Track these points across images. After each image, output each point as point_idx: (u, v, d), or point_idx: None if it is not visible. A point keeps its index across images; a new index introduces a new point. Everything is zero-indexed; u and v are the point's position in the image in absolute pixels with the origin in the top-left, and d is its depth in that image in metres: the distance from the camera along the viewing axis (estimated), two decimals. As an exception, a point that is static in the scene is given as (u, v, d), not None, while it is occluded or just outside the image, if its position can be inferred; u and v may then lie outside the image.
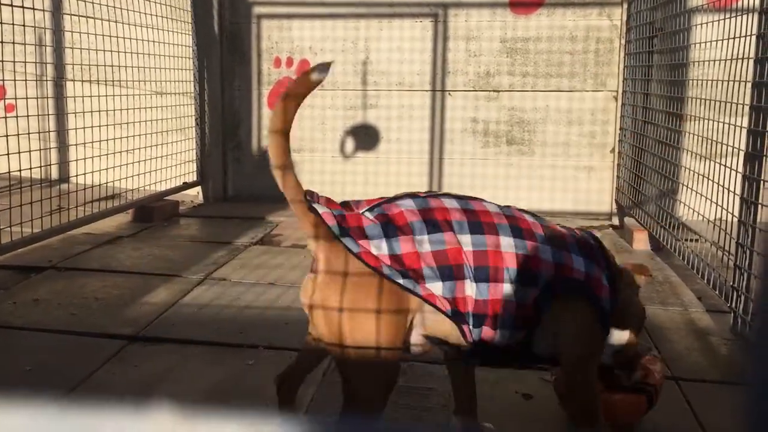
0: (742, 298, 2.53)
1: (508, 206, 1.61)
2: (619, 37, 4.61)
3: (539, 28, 4.71)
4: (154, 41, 4.51)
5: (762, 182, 2.45)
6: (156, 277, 3.13)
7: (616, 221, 4.58)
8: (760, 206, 2.46)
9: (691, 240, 3.18)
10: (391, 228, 1.45)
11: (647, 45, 4.01)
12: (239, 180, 5.13)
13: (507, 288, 1.47)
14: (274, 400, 1.98)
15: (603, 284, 1.55)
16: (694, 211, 3.13)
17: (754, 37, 2.54)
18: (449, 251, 1.45)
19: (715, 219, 2.87)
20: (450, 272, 1.44)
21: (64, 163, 4.62)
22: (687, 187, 3.23)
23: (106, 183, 4.06)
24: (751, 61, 2.55)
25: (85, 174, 3.86)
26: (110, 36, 4.09)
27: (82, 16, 3.93)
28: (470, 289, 1.45)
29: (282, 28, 4.96)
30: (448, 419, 1.90)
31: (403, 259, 1.43)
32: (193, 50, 4.89)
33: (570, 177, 4.80)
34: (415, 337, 1.51)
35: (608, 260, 1.60)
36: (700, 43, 3.18)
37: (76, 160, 4.01)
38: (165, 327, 2.55)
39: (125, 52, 4.24)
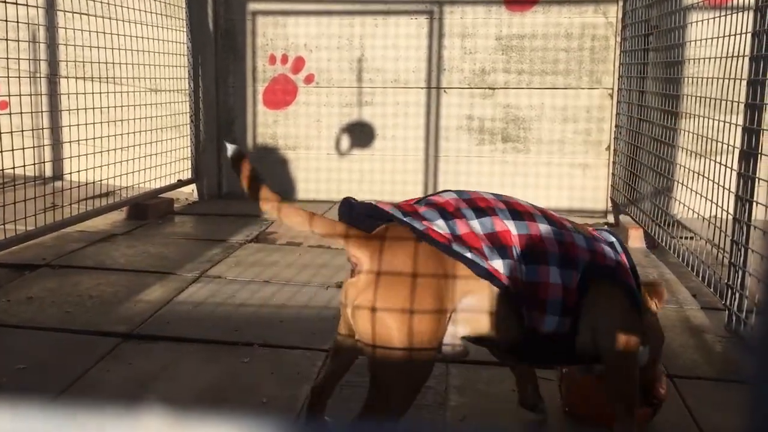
0: (737, 295, 2.53)
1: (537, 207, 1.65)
2: (615, 35, 4.62)
3: (534, 26, 4.71)
4: (148, 38, 4.49)
5: (757, 180, 2.45)
6: (150, 275, 3.12)
7: (611, 219, 4.58)
8: (755, 204, 2.46)
9: (687, 237, 3.19)
10: (445, 212, 1.49)
11: (643, 43, 4.01)
12: (234, 177, 5.07)
13: (554, 271, 1.49)
14: (270, 398, 1.98)
15: (630, 275, 1.59)
16: (689, 208, 3.13)
17: (749, 35, 2.54)
18: (500, 233, 1.49)
19: (710, 216, 2.88)
20: (506, 252, 1.47)
21: (58, 160, 4.60)
22: (682, 184, 3.24)
23: (101, 180, 4.05)
24: (746, 59, 2.55)
25: (79, 171, 3.84)
26: (104, 33, 4.07)
27: (75, 12, 3.91)
28: (520, 271, 1.47)
29: (277, 25, 4.95)
30: (443, 417, 1.90)
31: (463, 238, 1.46)
32: (187, 47, 4.88)
33: (565, 174, 4.81)
34: (450, 337, 1.52)
35: (632, 262, 1.64)
36: (695, 40, 3.18)
37: (70, 158, 4.00)
38: (159, 325, 2.54)
39: (119, 49, 4.22)
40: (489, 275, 1.45)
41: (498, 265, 1.45)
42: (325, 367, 1.73)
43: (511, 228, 1.50)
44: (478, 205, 1.53)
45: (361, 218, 1.52)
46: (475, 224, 1.49)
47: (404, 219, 1.45)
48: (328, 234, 1.50)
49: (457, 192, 1.59)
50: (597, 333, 1.54)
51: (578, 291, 1.51)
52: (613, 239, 1.65)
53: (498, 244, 1.47)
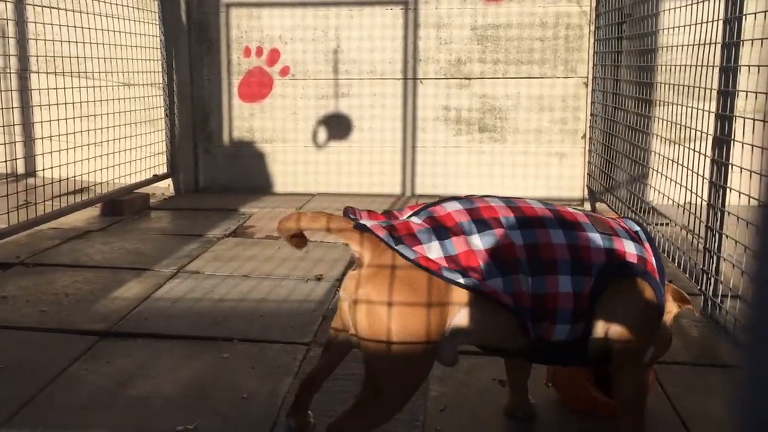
0: (712, 280, 2.57)
1: (548, 202, 1.61)
2: (589, 24, 4.64)
3: (509, 15, 4.72)
4: (120, 31, 4.43)
5: (730, 166, 2.48)
6: (127, 272, 3.09)
7: (588, 207, 4.62)
8: (728, 189, 2.50)
9: (662, 224, 3.22)
10: (441, 230, 1.44)
11: (616, 31, 4.04)
12: (210, 171, 5.08)
13: (564, 280, 1.45)
14: (251, 393, 1.97)
15: (655, 267, 1.54)
16: (664, 195, 3.16)
17: (720, 22, 2.56)
18: (503, 247, 1.44)
19: (684, 203, 2.91)
20: (507, 268, 1.42)
21: (30, 157, 4.54)
22: (657, 171, 3.27)
23: (74, 177, 4.00)
24: (718, 46, 2.58)
25: (52, 168, 3.79)
26: (75, 26, 4.01)
27: (45, 6, 3.84)
28: (526, 283, 1.43)
29: (251, 17, 4.91)
30: (423, 407, 1.91)
31: (459, 258, 1.41)
32: (160, 40, 4.82)
33: (542, 163, 4.83)
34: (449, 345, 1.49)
35: (657, 251, 1.59)
36: (668, 28, 3.20)
37: (43, 154, 3.94)
38: (138, 322, 2.52)
39: (91, 43, 4.16)
40: (488, 296, 1.41)
41: (497, 283, 1.41)
42: (317, 360, 1.71)
43: (516, 239, 1.45)
44: (482, 217, 1.47)
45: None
46: (476, 240, 1.44)
47: (395, 247, 1.40)
48: (337, 229, 1.47)
49: (462, 201, 1.53)
50: (610, 332, 1.51)
51: (592, 294, 1.47)
52: (638, 228, 1.61)
53: (499, 259, 1.42)
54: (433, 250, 1.41)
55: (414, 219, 1.50)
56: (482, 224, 1.46)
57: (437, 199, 1.58)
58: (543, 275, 1.44)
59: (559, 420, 1.87)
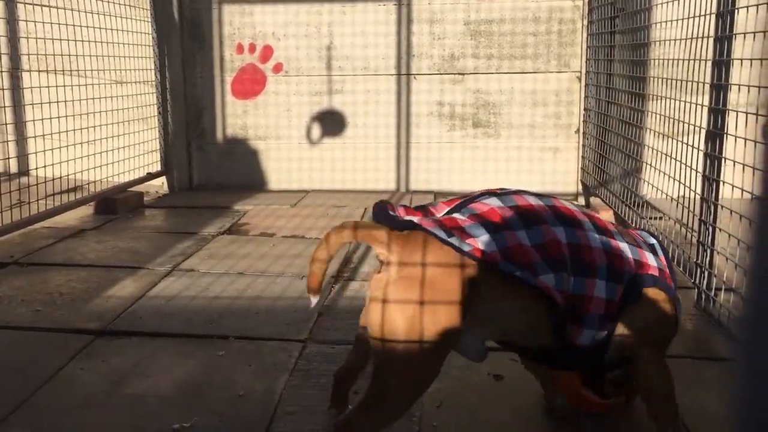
0: (706, 274, 2.58)
1: (579, 205, 1.60)
2: (582, 18, 4.64)
3: (502, 10, 4.72)
4: (112, 29, 4.41)
5: (723, 159, 2.49)
6: (122, 270, 3.09)
7: (582, 201, 4.63)
8: (721, 183, 2.50)
9: (656, 218, 3.23)
10: (489, 224, 1.40)
11: (609, 25, 4.04)
12: (204, 169, 5.07)
13: (600, 285, 1.43)
14: (247, 391, 1.97)
15: (671, 279, 1.55)
16: (657, 189, 3.17)
17: (713, 16, 2.57)
18: (549, 243, 1.41)
19: (678, 196, 2.92)
20: (556, 264, 1.40)
21: (23, 156, 4.52)
22: (650, 165, 3.27)
23: (68, 175, 3.98)
24: (711, 40, 2.58)
25: (45, 167, 3.78)
26: (66, 24, 3.99)
27: (36, 4, 3.82)
28: (568, 283, 1.41)
29: (244, 13, 4.89)
30: (419, 404, 1.91)
31: (512, 251, 1.38)
32: (152, 37, 4.80)
33: (536, 158, 4.84)
34: (476, 339, 1.47)
35: (670, 263, 1.60)
36: (660, 22, 3.21)
37: (35, 153, 3.92)
38: (133, 320, 2.51)
39: (83, 41, 4.14)
40: (543, 290, 1.38)
41: (549, 279, 1.38)
42: (347, 355, 1.69)
43: (561, 236, 1.42)
44: (526, 212, 1.44)
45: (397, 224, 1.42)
46: (523, 235, 1.40)
47: (449, 240, 1.35)
48: (366, 238, 1.41)
49: (500, 197, 1.48)
50: (631, 341, 1.50)
51: (623, 303, 1.46)
52: (654, 241, 1.61)
53: (548, 255, 1.39)
54: (487, 243, 1.37)
55: (456, 215, 1.45)
56: (527, 220, 1.42)
57: (469, 195, 1.54)
58: (583, 277, 1.41)
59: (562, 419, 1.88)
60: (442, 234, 1.36)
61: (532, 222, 1.42)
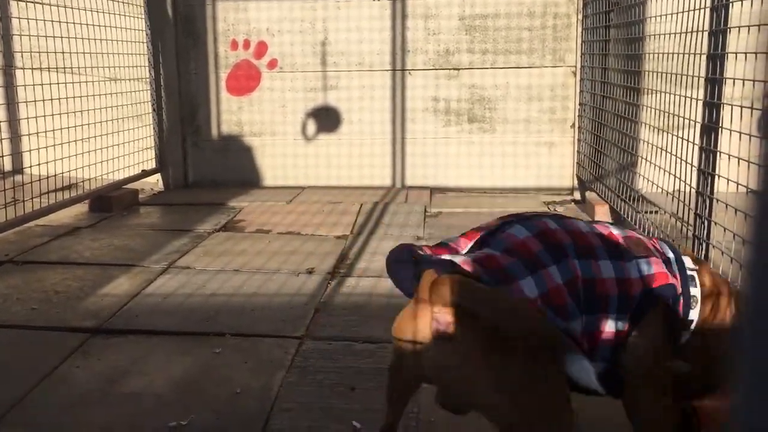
0: (702, 267, 2.58)
1: (590, 221, 1.48)
2: (576, 12, 4.64)
3: (497, 5, 4.71)
4: (105, 26, 4.40)
5: (718, 153, 2.49)
6: (117, 268, 3.08)
7: (577, 196, 4.63)
8: (717, 177, 2.50)
9: (651, 212, 3.23)
10: (528, 263, 1.29)
11: (604, 20, 4.04)
12: (199, 166, 5.06)
13: (611, 318, 1.36)
14: (244, 388, 1.97)
15: (678, 291, 1.45)
16: (653, 183, 3.17)
17: (707, 10, 2.57)
18: (573, 281, 1.31)
19: (673, 190, 2.92)
20: (579, 304, 1.31)
21: (17, 153, 4.50)
22: (646, 159, 3.28)
23: (62, 173, 3.97)
24: (706, 34, 2.58)
25: (39, 164, 3.76)
26: (60, 21, 3.97)
27: (30, 1, 3.81)
28: (583, 321, 1.32)
29: (238, 9, 4.88)
30: (418, 403, 1.91)
31: (550, 296, 1.27)
32: (146, 34, 4.78)
33: (531, 153, 4.84)
34: None
35: (685, 276, 1.49)
36: (655, 16, 3.21)
37: (30, 151, 3.91)
38: (128, 318, 2.51)
39: (76, 38, 4.12)
40: (573, 340, 1.28)
41: (577, 325, 1.29)
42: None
43: (580, 271, 1.31)
44: (552, 242, 1.34)
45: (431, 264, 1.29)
46: (555, 272, 1.29)
47: (495, 287, 1.24)
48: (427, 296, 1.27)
49: (526, 224, 1.37)
50: (633, 361, 1.42)
51: (629, 328, 1.39)
52: (671, 255, 1.49)
53: (574, 295, 1.30)
54: (530, 288, 1.26)
55: (490, 251, 1.32)
56: (555, 253, 1.32)
57: (494, 225, 1.42)
58: (595, 314, 1.34)
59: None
60: (486, 278, 1.24)
61: (559, 255, 1.32)
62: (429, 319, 1.24)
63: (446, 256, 1.30)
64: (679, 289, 1.46)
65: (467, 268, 1.25)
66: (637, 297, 1.40)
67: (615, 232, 1.46)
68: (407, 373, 1.38)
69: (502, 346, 1.22)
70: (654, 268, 1.44)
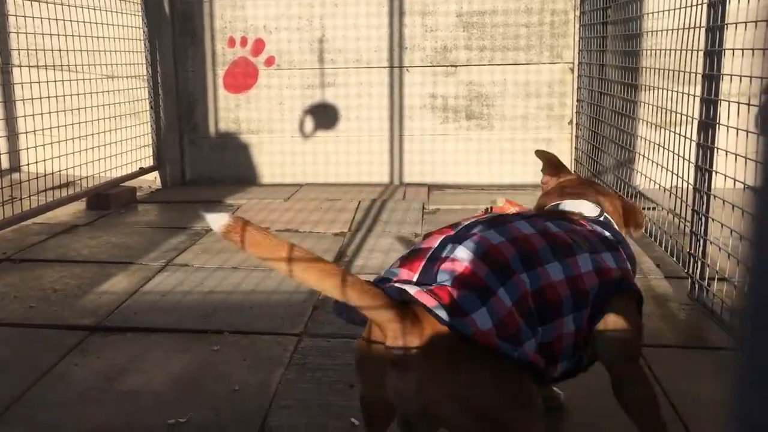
0: (699, 263, 2.58)
1: (531, 218, 1.46)
2: (574, 9, 4.64)
3: (495, 2, 4.71)
4: (102, 23, 4.39)
5: (715, 149, 2.50)
6: (115, 266, 3.08)
7: (575, 192, 4.63)
8: (714, 173, 2.51)
9: (649, 208, 3.24)
10: (480, 291, 1.24)
11: (601, 16, 4.04)
12: (197, 163, 5.06)
13: (568, 320, 1.34)
14: (242, 385, 1.97)
15: (629, 270, 1.48)
16: (650, 179, 3.18)
17: (704, 6, 2.57)
18: (523, 299, 1.28)
19: (671, 187, 2.92)
20: (532, 323, 1.28)
21: (14, 151, 4.49)
22: (643, 156, 3.28)
23: (60, 171, 3.96)
24: (703, 30, 2.59)
25: (37, 162, 3.76)
26: (57, 19, 3.96)
27: (25, -1, 3.80)
28: (538, 336, 1.29)
29: (235, 6, 4.87)
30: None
31: (504, 323, 1.23)
32: (143, 31, 4.78)
33: (529, 150, 4.82)
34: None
35: (629, 251, 1.53)
36: (652, 12, 3.21)
37: (27, 149, 3.90)
38: (127, 316, 2.51)
39: (73, 36, 4.12)
40: (530, 364, 1.25)
41: (531, 346, 1.26)
42: None
43: (528, 284, 1.29)
44: (496, 262, 1.29)
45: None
46: (504, 295, 1.25)
47: (450, 322, 1.18)
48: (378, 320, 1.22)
49: (465, 243, 1.31)
50: (605, 349, 1.44)
51: (590, 323, 1.39)
52: (608, 234, 1.52)
53: (524, 314, 1.27)
54: (482, 320, 1.21)
55: (443, 279, 1.26)
56: (500, 273, 1.28)
57: (434, 246, 1.34)
58: (550, 322, 1.32)
59: (564, 416, 1.89)
60: (442, 314, 1.19)
61: (506, 274, 1.28)
62: (384, 349, 1.21)
63: (410, 287, 1.23)
64: (627, 267, 1.49)
65: (425, 300, 1.19)
66: (592, 291, 1.39)
67: (558, 230, 1.43)
68: (378, 402, 1.35)
69: (466, 367, 1.21)
70: (602, 263, 1.43)
